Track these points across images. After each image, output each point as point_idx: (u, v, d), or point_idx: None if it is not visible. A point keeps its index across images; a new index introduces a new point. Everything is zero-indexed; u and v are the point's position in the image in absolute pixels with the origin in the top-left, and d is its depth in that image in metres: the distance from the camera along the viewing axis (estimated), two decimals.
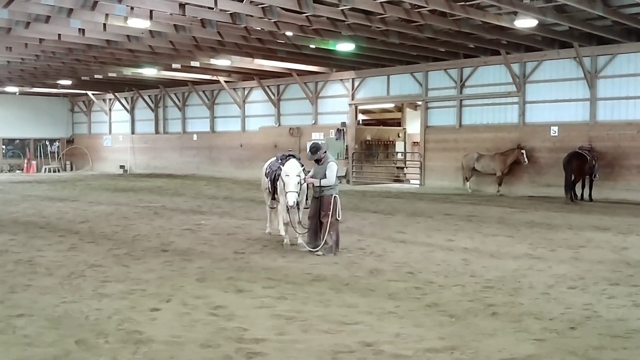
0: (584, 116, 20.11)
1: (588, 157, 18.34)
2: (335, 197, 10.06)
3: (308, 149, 10.38)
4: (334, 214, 10.01)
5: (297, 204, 10.20)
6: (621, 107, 19.40)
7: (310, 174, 10.35)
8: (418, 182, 24.56)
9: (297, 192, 10.04)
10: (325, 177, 10.03)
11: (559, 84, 20.62)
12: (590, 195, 18.75)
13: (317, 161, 10.23)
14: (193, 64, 23.81)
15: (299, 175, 10.12)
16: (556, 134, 20.52)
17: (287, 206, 10.23)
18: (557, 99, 20.68)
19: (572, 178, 18.36)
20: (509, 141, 21.34)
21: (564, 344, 5.72)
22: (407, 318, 6.57)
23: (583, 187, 18.89)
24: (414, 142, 28.41)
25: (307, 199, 10.63)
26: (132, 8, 15.12)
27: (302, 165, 10.47)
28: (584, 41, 19.16)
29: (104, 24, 16.64)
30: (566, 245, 11.02)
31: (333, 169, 10.06)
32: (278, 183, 10.81)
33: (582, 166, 18.29)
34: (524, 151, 20.46)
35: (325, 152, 10.28)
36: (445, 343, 5.73)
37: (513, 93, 21.52)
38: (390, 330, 6.10)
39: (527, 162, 20.50)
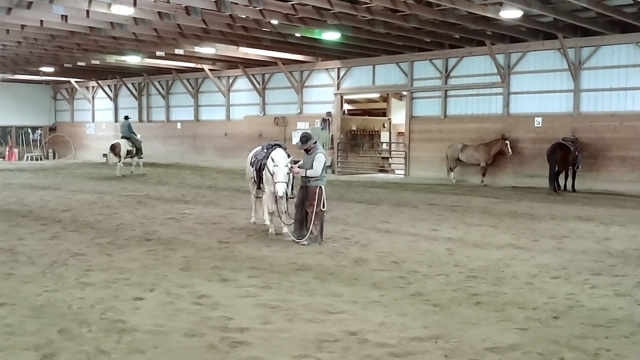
0: (567, 107, 20.22)
1: (571, 148, 18.46)
2: (320, 187, 10.07)
3: (298, 139, 10.33)
4: (319, 205, 10.02)
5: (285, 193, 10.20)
6: (604, 99, 19.52)
7: (299, 163, 10.33)
8: (403, 172, 24.59)
9: (286, 182, 10.04)
10: (312, 168, 10.01)
11: (543, 75, 20.69)
12: (573, 186, 18.89)
13: (307, 151, 10.20)
14: (177, 51, 23.60)
15: (288, 166, 10.11)
16: (540, 125, 20.63)
17: (276, 196, 10.23)
18: (541, 90, 20.75)
19: (556, 169, 18.48)
20: (493, 132, 21.42)
21: (547, 333, 5.77)
22: (391, 307, 6.59)
23: (566, 177, 19.02)
24: (399, 133, 28.45)
25: (292, 189, 10.62)
26: None
27: (289, 156, 10.46)
28: (569, 33, 19.24)
29: (87, 11, 16.40)
30: (549, 235, 11.10)
31: (320, 160, 10.04)
32: (263, 172, 10.79)
33: (566, 157, 18.40)
34: (508, 142, 20.54)
35: (315, 142, 10.27)
36: (430, 332, 5.76)
37: (498, 84, 21.59)
38: (375, 319, 6.12)
39: (511, 152, 20.59)
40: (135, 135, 25.40)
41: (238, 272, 8.15)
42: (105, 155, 36.01)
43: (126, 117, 26.38)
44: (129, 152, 24.54)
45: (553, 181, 18.57)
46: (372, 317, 6.23)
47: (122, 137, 25.06)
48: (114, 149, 24.44)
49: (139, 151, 24.96)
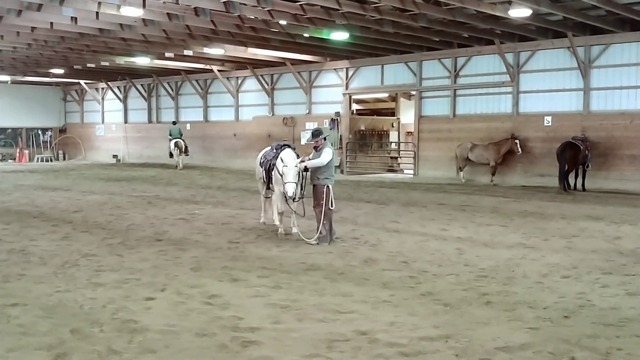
0: (577, 106, 20.13)
1: (581, 147, 18.37)
2: (328, 187, 10.10)
3: (310, 133, 10.44)
4: (327, 204, 10.05)
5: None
6: (614, 97, 19.42)
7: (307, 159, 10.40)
8: (412, 172, 24.55)
9: (295, 182, 10.07)
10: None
11: (552, 74, 20.62)
12: (583, 185, 18.81)
13: (316, 148, 10.28)
14: (186, 52, 23.68)
15: (297, 166, 10.15)
16: (550, 124, 20.55)
17: (286, 196, 10.27)
18: (550, 89, 20.67)
19: (566, 168, 18.41)
20: (502, 131, 21.35)
21: (558, 332, 5.75)
22: (401, 307, 6.59)
23: (576, 176, 18.94)
24: (408, 132, 28.40)
25: (302, 189, 10.64)
26: None
27: (298, 156, 10.49)
28: (578, 31, 19.15)
29: (97, 12, 16.48)
30: (559, 234, 11.06)
31: (327, 152, 10.12)
32: (273, 173, 10.82)
33: (576, 156, 18.32)
34: (517, 141, 20.47)
35: (325, 138, 10.35)
36: (440, 331, 5.76)
37: (507, 83, 21.51)
38: (385, 319, 6.13)
39: (520, 151, 20.52)
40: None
41: (248, 272, 8.17)
42: (115, 156, 36.46)
43: (174, 122, 30.94)
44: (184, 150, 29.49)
45: (563, 180, 18.49)
46: (382, 316, 6.23)
47: (173, 139, 29.40)
48: (178, 144, 29.11)
49: (187, 150, 29.68)
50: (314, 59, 25.75)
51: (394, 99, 29.60)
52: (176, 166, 29.40)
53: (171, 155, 29.60)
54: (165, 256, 9.20)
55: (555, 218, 13.06)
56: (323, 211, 10.02)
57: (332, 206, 10.17)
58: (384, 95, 29.52)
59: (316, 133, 10.31)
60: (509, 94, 21.61)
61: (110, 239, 10.61)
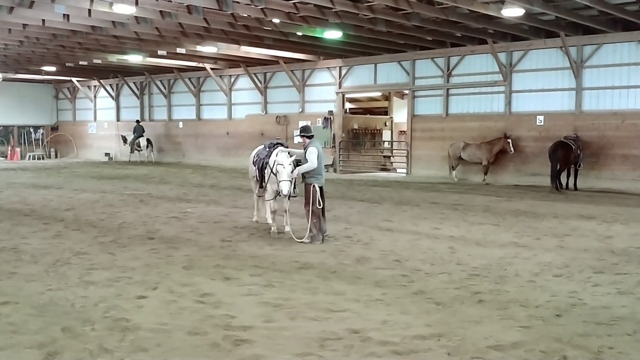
0: (569, 106, 20.20)
1: (573, 147, 18.43)
2: (313, 186, 10.11)
3: (298, 132, 10.58)
4: (314, 203, 10.06)
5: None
6: (606, 97, 19.50)
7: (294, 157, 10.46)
8: (405, 170, 24.58)
9: (290, 181, 10.08)
10: (307, 162, 10.12)
11: (545, 74, 20.68)
12: (575, 184, 18.88)
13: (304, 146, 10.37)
14: (179, 50, 23.60)
15: (291, 165, 10.16)
16: (542, 123, 20.61)
17: (281, 195, 10.27)
18: (543, 89, 20.73)
19: (558, 167, 18.47)
20: (495, 130, 21.40)
21: (550, 331, 5.77)
22: (394, 305, 6.60)
23: (568, 176, 19.00)
24: (401, 131, 28.43)
25: (295, 188, 10.64)
26: None
27: (291, 155, 10.50)
28: (570, 31, 19.21)
29: (89, 10, 16.40)
30: (551, 233, 11.10)
31: (313, 152, 10.14)
32: (266, 171, 10.82)
33: (568, 155, 18.39)
34: (510, 140, 20.53)
35: (311, 136, 10.36)
36: (432, 330, 5.77)
37: (499, 82, 21.56)
38: (377, 318, 6.13)
39: (513, 151, 20.58)
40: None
41: (240, 270, 8.16)
42: (107, 154, 36.32)
43: (138, 121, 33.14)
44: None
45: (555, 179, 18.55)
46: (374, 315, 6.24)
47: (139, 136, 32.15)
48: (149, 140, 32.03)
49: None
50: (307, 57, 25.72)
51: (387, 98, 29.62)
52: (146, 161, 31.90)
53: (132, 150, 32.34)
54: (157, 254, 9.18)
55: (547, 217, 13.10)
56: (311, 210, 10.04)
57: (319, 205, 10.16)
58: (377, 94, 29.54)
59: (301, 130, 10.48)
60: (502, 93, 21.66)
61: (102, 237, 10.58)
